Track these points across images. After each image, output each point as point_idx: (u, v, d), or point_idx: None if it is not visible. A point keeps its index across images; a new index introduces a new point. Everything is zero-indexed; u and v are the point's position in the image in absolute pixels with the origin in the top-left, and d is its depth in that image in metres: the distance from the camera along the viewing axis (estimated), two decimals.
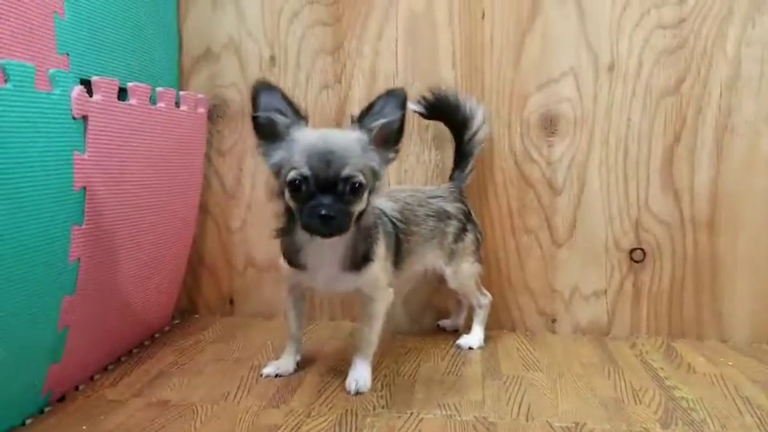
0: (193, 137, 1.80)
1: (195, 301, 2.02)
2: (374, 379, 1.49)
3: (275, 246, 1.96)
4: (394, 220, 1.54)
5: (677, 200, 1.82)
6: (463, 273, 1.72)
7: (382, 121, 1.30)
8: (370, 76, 1.88)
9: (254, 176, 1.94)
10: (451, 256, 1.70)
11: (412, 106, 1.75)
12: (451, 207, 1.71)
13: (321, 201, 1.24)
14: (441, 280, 1.73)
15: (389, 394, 1.42)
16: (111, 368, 1.56)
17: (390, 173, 1.89)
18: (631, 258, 1.86)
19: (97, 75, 1.37)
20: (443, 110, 1.78)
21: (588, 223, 1.86)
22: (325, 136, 1.30)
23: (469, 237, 1.73)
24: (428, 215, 1.65)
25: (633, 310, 1.87)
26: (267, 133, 1.32)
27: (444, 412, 1.33)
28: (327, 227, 1.26)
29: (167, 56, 1.81)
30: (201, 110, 1.82)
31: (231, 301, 2.00)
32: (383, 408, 1.35)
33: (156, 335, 1.81)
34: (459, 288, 1.74)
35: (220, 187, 1.96)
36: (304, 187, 1.26)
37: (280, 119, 1.30)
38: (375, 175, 1.32)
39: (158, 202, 1.64)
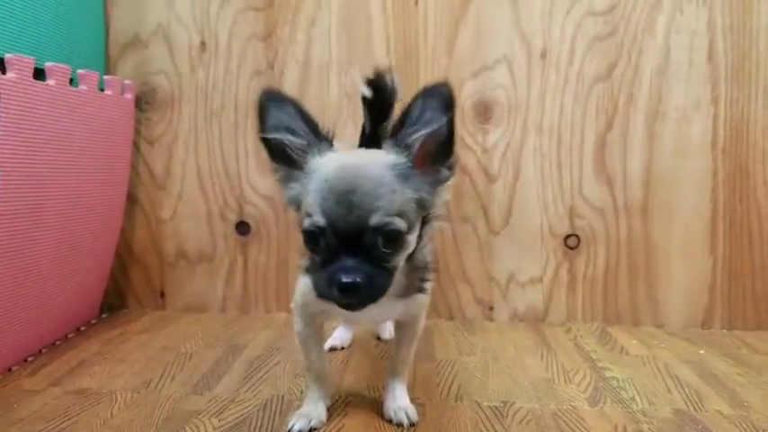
0: (119, 123, 1.75)
1: (124, 295, 1.95)
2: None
3: (208, 237, 1.94)
4: None
5: (610, 186, 1.84)
6: None
7: (423, 132, 0.96)
8: (303, 63, 1.86)
9: (184, 165, 1.89)
10: None
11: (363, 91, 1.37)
12: None
13: (343, 264, 0.94)
14: None
15: None
16: (31, 360, 1.50)
17: None
18: (566, 245, 1.86)
19: (12, 53, 1.32)
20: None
21: (523, 211, 1.86)
22: (348, 168, 0.98)
23: None
24: None
25: (569, 297, 1.88)
26: (282, 157, 1.03)
27: (373, 395, 1.31)
28: (352, 299, 0.96)
29: (92, 39, 1.76)
30: (128, 95, 1.77)
31: (162, 294, 1.95)
32: None
33: (82, 328, 1.74)
34: None
35: (149, 176, 1.90)
36: (322, 242, 0.96)
37: (294, 141, 1.01)
38: (423, 207, 1.00)
39: (80, 189, 1.58)
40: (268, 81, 1.86)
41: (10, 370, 1.43)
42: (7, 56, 1.30)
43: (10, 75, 1.30)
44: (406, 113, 0.97)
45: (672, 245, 1.84)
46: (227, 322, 1.81)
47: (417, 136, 0.96)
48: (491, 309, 1.89)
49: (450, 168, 1.01)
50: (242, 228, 1.90)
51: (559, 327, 1.83)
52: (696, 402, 1.29)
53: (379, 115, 1.25)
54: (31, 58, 1.35)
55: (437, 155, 0.99)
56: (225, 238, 1.91)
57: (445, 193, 1.03)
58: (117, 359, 1.50)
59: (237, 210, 1.90)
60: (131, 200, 1.90)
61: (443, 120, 0.95)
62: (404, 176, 0.97)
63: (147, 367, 1.45)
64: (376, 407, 1.24)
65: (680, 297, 1.85)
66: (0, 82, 1.26)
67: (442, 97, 0.95)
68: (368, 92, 1.22)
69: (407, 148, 0.97)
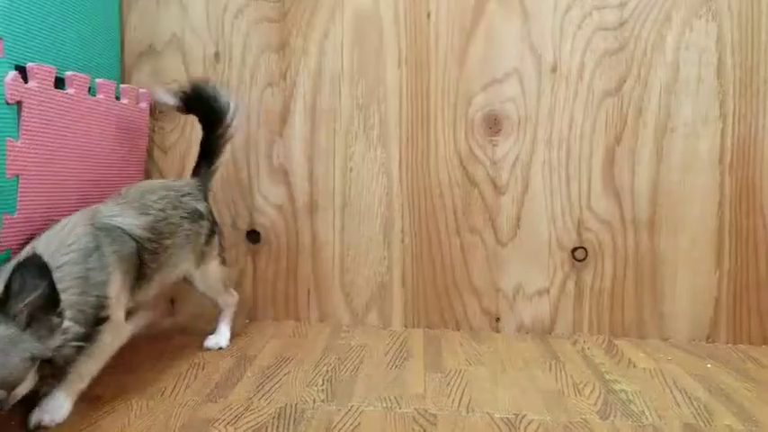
0: (134, 131, 1.76)
1: None
2: (316, 374, 1.48)
3: None
4: (137, 238, 1.39)
5: (618, 199, 1.85)
6: (211, 275, 1.67)
7: (29, 299, 1.08)
8: (315, 75, 1.88)
9: None
10: (202, 257, 1.63)
11: (166, 100, 1.67)
12: (202, 206, 1.63)
13: None
14: (189, 283, 1.66)
15: (330, 388, 1.41)
16: None
17: (336, 171, 1.88)
18: (573, 257, 1.88)
19: (33, 62, 1.34)
20: (199, 102, 1.67)
21: (531, 223, 1.88)
22: None
23: (217, 238, 1.69)
24: (183, 218, 1.55)
25: (576, 309, 1.89)
26: None
27: (385, 405, 1.32)
28: None
29: (108, 48, 1.78)
30: (143, 104, 1.79)
31: (173, 301, 1.96)
32: (323, 401, 1.34)
33: None
34: (207, 290, 1.69)
35: None
36: None
37: None
38: (38, 356, 1.10)
39: (96, 196, 1.60)
40: (281, 91, 1.88)
41: None
42: (29, 65, 1.32)
43: (32, 83, 1.32)
44: (8, 287, 1.06)
45: (678, 258, 1.86)
46: (237, 330, 1.82)
47: (23, 304, 1.07)
48: (498, 320, 1.91)
49: (60, 315, 1.13)
50: (252, 236, 1.92)
51: (566, 339, 1.85)
52: (705, 417, 1.30)
53: (209, 124, 1.68)
54: (53, 67, 1.37)
55: (46, 310, 1.11)
56: (236, 247, 1.92)
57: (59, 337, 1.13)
58: (130, 367, 1.51)
59: (248, 219, 1.92)
60: None
61: (44, 283, 1.09)
62: (13, 343, 1.07)
63: (160, 375, 1.47)
64: (387, 416, 1.26)
65: (685, 310, 1.87)
66: (22, 90, 1.28)
67: (37, 266, 1.08)
68: (174, 101, 1.66)
69: (15, 316, 1.07)
